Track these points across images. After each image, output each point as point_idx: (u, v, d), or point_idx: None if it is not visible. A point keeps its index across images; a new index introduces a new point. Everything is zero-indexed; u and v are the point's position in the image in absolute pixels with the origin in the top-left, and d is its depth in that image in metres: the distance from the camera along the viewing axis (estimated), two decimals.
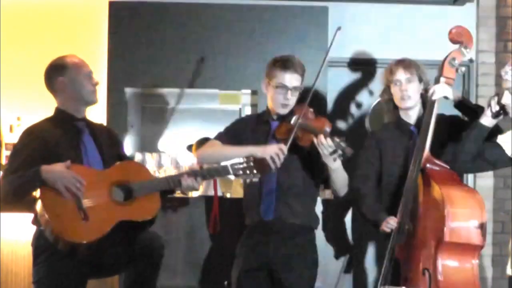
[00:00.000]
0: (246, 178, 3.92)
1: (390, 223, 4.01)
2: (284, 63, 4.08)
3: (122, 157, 4.04)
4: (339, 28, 4.05)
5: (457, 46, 4.16)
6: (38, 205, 3.73)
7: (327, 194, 5.48)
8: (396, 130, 4.23)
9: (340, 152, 3.83)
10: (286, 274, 4.02)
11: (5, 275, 5.12)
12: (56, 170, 3.66)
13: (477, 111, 4.03)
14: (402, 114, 4.21)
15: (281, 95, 4.07)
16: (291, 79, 4.07)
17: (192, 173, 3.88)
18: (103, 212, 3.72)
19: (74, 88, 3.91)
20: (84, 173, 3.72)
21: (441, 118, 4.15)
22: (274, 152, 3.91)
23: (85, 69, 3.94)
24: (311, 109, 4.11)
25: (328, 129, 3.95)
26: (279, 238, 4.03)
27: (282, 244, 4.04)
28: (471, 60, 4.20)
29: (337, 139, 3.86)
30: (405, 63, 4.22)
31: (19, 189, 3.70)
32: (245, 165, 3.89)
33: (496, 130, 3.92)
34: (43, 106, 6.22)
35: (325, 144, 3.84)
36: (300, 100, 4.16)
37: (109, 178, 3.78)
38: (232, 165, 3.90)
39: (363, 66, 6.61)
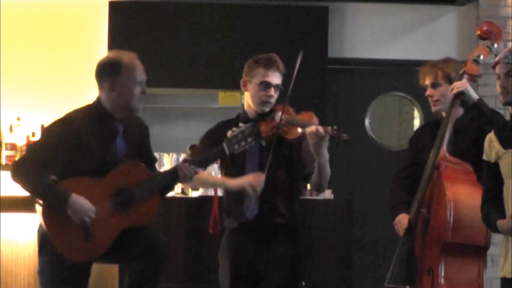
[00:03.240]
0: (243, 148, 3.88)
1: (397, 226, 3.99)
2: (267, 61, 4.09)
3: (148, 159, 3.98)
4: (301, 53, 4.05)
5: (484, 42, 4.08)
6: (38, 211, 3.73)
7: (327, 194, 5.48)
8: (435, 130, 4.19)
9: (336, 137, 3.79)
10: (270, 273, 4.02)
11: (5, 275, 5.12)
12: (84, 205, 3.64)
13: (490, 117, 3.95)
14: (443, 114, 4.17)
15: (264, 92, 4.06)
16: (274, 77, 4.07)
17: (189, 162, 3.84)
18: (105, 225, 3.69)
19: (123, 92, 3.76)
20: (83, 186, 3.69)
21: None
22: (254, 182, 3.92)
23: (138, 76, 3.79)
24: (291, 107, 4.10)
25: (316, 120, 3.93)
26: (263, 239, 4.03)
27: (266, 245, 4.03)
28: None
29: (329, 127, 3.83)
30: (427, 68, 4.18)
31: (40, 194, 3.66)
32: (240, 136, 3.86)
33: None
34: (43, 106, 6.25)
35: (321, 133, 3.82)
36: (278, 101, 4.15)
37: (109, 187, 3.74)
38: (226, 143, 3.85)
39: (363, 66, 6.62)
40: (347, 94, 6.62)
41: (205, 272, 5.17)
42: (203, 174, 4.05)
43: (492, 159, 3.45)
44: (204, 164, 3.86)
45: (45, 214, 3.69)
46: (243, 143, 3.85)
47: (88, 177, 3.71)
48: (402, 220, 3.98)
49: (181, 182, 3.90)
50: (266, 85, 4.05)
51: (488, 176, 3.49)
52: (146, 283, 3.80)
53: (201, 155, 3.87)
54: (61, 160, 3.68)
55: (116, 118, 3.81)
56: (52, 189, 3.64)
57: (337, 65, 6.52)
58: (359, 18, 6.52)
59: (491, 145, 3.46)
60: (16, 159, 3.76)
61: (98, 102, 3.82)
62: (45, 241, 3.76)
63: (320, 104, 6.17)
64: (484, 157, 3.50)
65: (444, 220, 3.78)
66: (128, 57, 3.82)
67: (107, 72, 3.77)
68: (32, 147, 3.84)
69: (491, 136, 3.48)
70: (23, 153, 3.78)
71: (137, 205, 3.75)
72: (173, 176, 3.80)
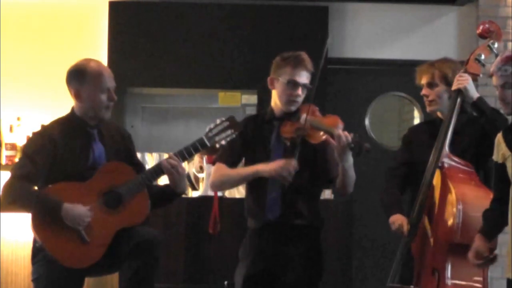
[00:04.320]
0: (225, 140, 3.86)
1: (394, 225, 3.97)
2: (296, 60, 4.03)
3: (133, 163, 3.98)
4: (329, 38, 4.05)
5: (484, 41, 4.07)
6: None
7: (327, 194, 5.47)
8: (430, 129, 4.17)
9: (358, 147, 3.76)
10: (291, 276, 3.99)
11: (5, 275, 5.11)
12: (77, 213, 3.65)
13: (491, 116, 3.93)
14: (438, 114, 4.16)
15: (291, 91, 4.02)
16: (301, 76, 4.02)
17: (172, 155, 3.84)
18: (99, 227, 3.70)
19: (88, 100, 3.81)
20: (70, 190, 3.69)
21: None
22: (285, 169, 3.88)
23: (104, 83, 3.81)
24: (317, 107, 4.07)
25: (341, 125, 3.90)
26: (284, 240, 3.99)
27: (287, 246, 4.00)
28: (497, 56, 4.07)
29: (353, 134, 3.80)
30: (424, 67, 4.16)
31: (33, 207, 3.67)
32: (220, 128, 3.85)
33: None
34: (43, 106, 6.25)
35: (345, 140, 3.78)
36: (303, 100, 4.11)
37: (95, 188, 3.74)
38: (206, 135, 3.84)
39: (363, 66, 6.62)
40: (347, 94, 6.62)
41: (205, 272, 5.16)
42: (231, 170, 4.02)
43: (499, 160, 3.44)
44: (187, 156, 3.85)
45: (36, 227, 3.69)
46: (223, 135, 3.84)
47: (73, 181, 3.72)
48: (401, 221, 3.96)
49: (169, 177, 3.86)
50: (293, 84, 4.00)
51: (496, 177, 3.50)
52: (142, 279, 3.80)
53: (183, 148, 3.86)
54: (41, 169, 3.71)
55: (90, 124, 3.85)
56: (43, 200, 3.67)
57: (337, 65, 6.52)
58: (359, 18, 6.52)
59: (499, 146, 3.45)
60: (5, 181, 3.76)
61: (71, 110, 3.89)
62: (37, 250, 3.77)
63: (320, 104, 6.13)
64: (493, 157, 3.50)
65: (452, 221, 3.75)
66: (94, 64, 3.83)
67: (72, 80, 3.83)
68: (14, 166, 3.87)
69: (499, 137, 3.47)
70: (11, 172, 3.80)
71: (127, 204, 3.76)
72: (157, 170, 3.81)
